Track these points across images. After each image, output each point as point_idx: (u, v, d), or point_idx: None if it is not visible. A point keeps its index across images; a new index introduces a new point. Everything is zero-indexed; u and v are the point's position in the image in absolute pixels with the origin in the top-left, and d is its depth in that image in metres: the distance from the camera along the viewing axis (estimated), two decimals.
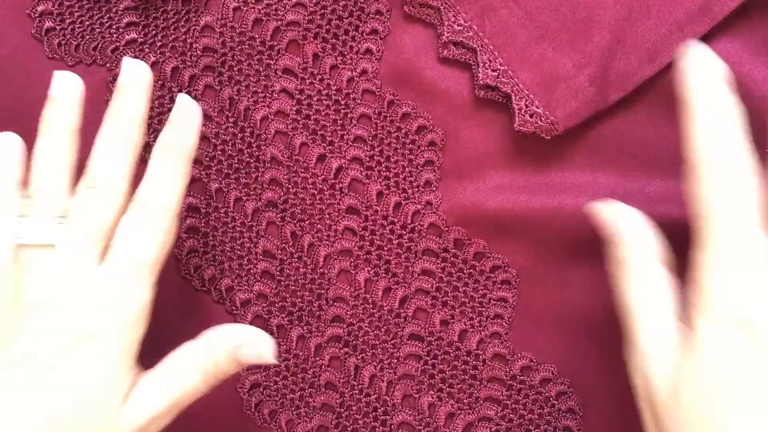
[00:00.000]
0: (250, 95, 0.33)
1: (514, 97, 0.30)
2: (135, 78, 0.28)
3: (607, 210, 0.27)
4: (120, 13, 0.33)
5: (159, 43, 0.33)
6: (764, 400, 0.22)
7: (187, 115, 0.28)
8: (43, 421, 0.25)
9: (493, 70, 0.31)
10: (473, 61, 0.32)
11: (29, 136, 0.34)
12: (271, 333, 0.32)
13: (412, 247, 0.32)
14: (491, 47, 0.31)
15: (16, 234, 0.27)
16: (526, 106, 0.30)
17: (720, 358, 0.23)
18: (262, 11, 0.33)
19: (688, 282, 0.24)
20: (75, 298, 0.26)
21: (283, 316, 0.33)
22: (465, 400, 0.32)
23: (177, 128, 0.28)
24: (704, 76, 0.24)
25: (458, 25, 0.31)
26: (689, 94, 0.25)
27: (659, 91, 0.31)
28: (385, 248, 0.33)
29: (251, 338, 0.27)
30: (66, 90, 0.28)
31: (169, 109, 0.33)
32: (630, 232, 0.26)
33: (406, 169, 0.33)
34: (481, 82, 0.31)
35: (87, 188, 0.27)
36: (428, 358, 0.32)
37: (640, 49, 0.30)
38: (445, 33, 0.32)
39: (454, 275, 0.32)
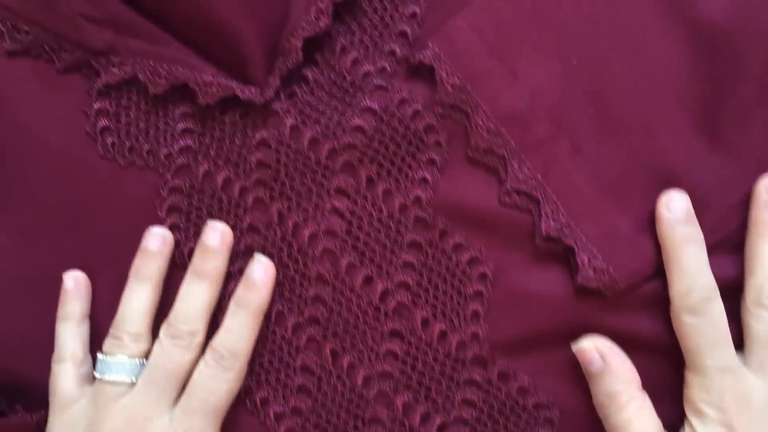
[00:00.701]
0: (300, 212, 0.33)
1: (577, 251, 0.30)
2: (218, 240, 0.32)
3: (587, 345, 0.30)
4: (176, 118, 0.33)
5: (213, 153, 0.33)
6: None
7: (264, 276, 0.31)
8: None
9: (555, 222, 0.31)
10: (535, 210, 0.32)
11: (76, 232, 0.34)
12: None
13: (455, 377, 0.32)
14: (554, 199, 0.31)
15: (100, 370, 0.30)
16: (589, 261, 0.30)
17: None
18: (319, 132, 0.33)
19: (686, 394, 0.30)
20: None
21: None
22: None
23: (253, 287, 0.31)
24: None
25: (522, 174, 0.31)
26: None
27: None
28: (427, 375, 0.33)
29: None
30: (158, 245, 0.32)
31: (218, 217, 0.33)
32: (612, 363, 0.30)
33: (454, 299, 0.33)
34: (543, 233, 0.31)
35: (169, 336, 0.30)
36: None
37: (706, 219, 0.30)
38: (508, 181, 0.32)
39: (496, 407, 0.32)
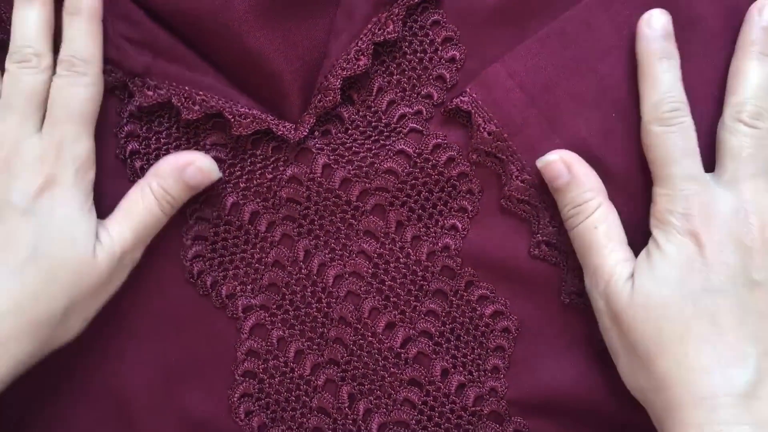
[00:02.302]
0: (327, 251, 0.33)
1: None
2: None
3: (553, 157, 0.30)
4: (207, 147, 0.33)
5: (242, 185, 0.33)
6: (708, 296, 0.27)
7: None
8: (28, 252, 0.28)
9: (581, 280, 0.30)
10: (563, 265, 0.31)
11: None
12: None
13: (471, 431, 0.32)
14: None
15: None
16: None
17: (674, 263, 0.28)
18: (351, 172, 0.32)
19: (651, 210, 0.30)
20: (30, 155, 0.29)
21: None
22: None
23: None
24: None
25: (553, 226, 0.31)
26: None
27: None
28: (443, 426, 0.32)
29: (190, 158, 0.31)
30: None
31: (243, 250, 0.33)
32: (579, 173, 0.30)
33: (476, 350, 0.32)
34: (569, 288, 0.31)
35: (15, 62, 0.30)
36: None
37: None
38: (539, 233, 0.31)
39: None
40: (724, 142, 0.29)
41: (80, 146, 0.30)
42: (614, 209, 0.30)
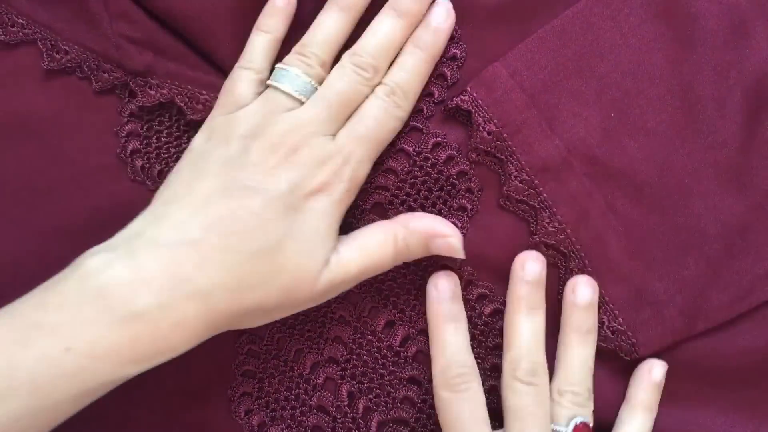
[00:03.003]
0: None
1: (597, 311, 0.30)
2: None
3: None
4: None
5: None
6: None
7: (446, 20, 0.31)
8: (273, 244, 0.27)
9: None
10: (562, 266, 0.31)
11: None
12: None
13: None
14: (582, 255, 0.31)
15: (275, 78, 0.30)
16: (609, 321, 0.30)
17: None
18: None
19: None
20: (319, 154, 0.28)
21: None
22: None
23: (434, 30, 0.31)
24: None
25: (552, 227, 0.31)
26: None
27: None
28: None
29: (445, 231, 0.30)
30: None
31: None
32: None
33: (475, 349, 0.32)
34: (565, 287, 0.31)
35: (353, 64, 0.30)
36: None
37: (736, 286, 0.29)
38: (538, 233, 0.31)
39: None
40: (506, 400, 0.29)
41: (362, 169, 0.30)
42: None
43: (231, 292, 0.27)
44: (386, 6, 0.31)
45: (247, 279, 0.27)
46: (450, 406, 0.29)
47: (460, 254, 0.30)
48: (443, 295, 0.31)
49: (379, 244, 0.29)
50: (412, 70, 0.30)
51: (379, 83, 0.30)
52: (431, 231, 0.30)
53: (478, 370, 0.30)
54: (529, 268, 0.30)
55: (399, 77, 0.30)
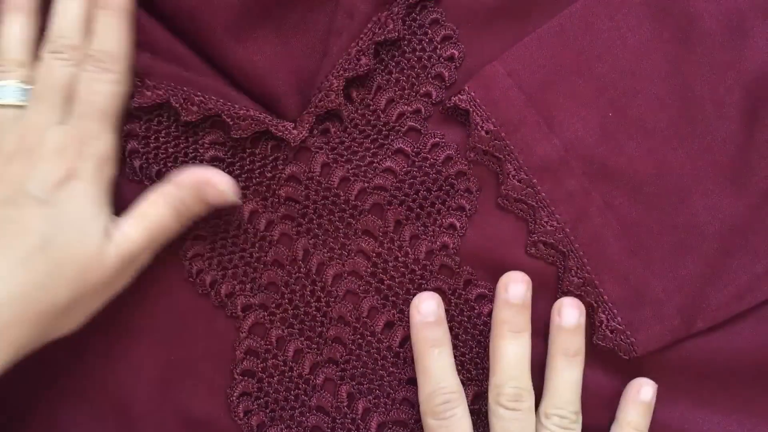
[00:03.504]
0: (326, 250, 0.33)
1: (596, 310, 0.30)
2: None
3: None
4: (206, 146, 0.33)
5: (241, 184, 0.33)
6: None
7: None
8: (39, 242, 0.28)
9: (578, 278, 0.30)
10: (560, 265, 0.31)
11: None
12: None
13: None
14: (581, 254, 0.31)
15: None
16: (608, 320, 0.30)
17: None
18: (350, 171, 0.32)
19: None
20: (53, 146, 0.29)
21: None
22: None
23: None
24: None
25: (550, 226, 0.31)
26: None
27: None
28: None
29: (214, 179, 0.30)
30: None
31: (242, 249, 0.33)
32: None
33: (474, 349, 0.32)
34: (565, 288, 0.31)
35: (51, 52, 0.30)
36: None
37: (735, 285, 0.29)
38: (537, 232, 0.31)
39: None
40: (491, 426, 0.30)
41: (102, 143, 0.30)
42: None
43: (16, 302, 0.27)
44: None
45: (28, 284, 0.27)
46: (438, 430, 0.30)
47: (232, 198, 0.30)
48: (426, 318, 0.31)
49: (156, 207, 0.30)
50: (106, 33, 0.31)
51: (87, 56, 0.31)
52: (200, 181, 0.30)
53: (463, 393, 0.30)
54: (513, 290, 0.30)
55: (97, 43, 0.30)
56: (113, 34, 0.31)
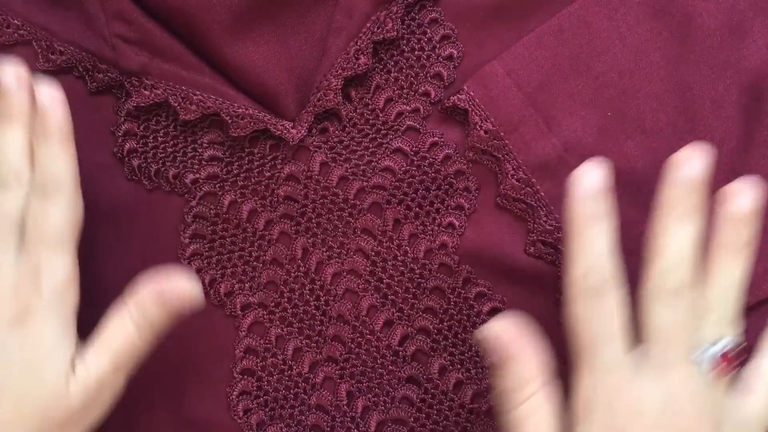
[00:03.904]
0: (325, 249, 0.33)
1: None
2: (14, 77, 0.29)
3: (496, 329, 0.27)
4: (204, 145, 0.33)
5: (240, 183, 0.33)
6: None
7: (51, 97, 0.29)
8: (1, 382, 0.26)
9: None
10: (560, 264, 0.31)
11: (96, 252, 0.34)
12: None
13: (469, 428, 0.32)
14: None
15: None
16: None
17: None
18: (349, 170, 0.32)
19: (573, 394, 0.26)
20: (4, 284, 0.28)
21: None
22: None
23: (46, 112, 0.29)
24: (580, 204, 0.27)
25: (549, 225, 0.31)
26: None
27: None
28: (441, 424, 0.32)
29: (172, 283, 0.28)
30: None
31: (241, 248, 0.33)
32: (521, 354, 0.27)
33: (473, 348, 0.32)
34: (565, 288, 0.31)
35: None
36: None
37: None
38: (535, 231, 0.31)
39: None
40: (648, 316, 0.26)
41: (57, 273, 0.28)
42: (552, 398, 0.27)
43: None
44: None
45: None
46: (586, 319, 0.26)
47: (196, 301, 0.28)
48: (588, 191, 0.26)
49: (118, 332, 0.28)
50: (50, 161, 0.29)
51: (33, 185, 0.29)
52: (157, 290, 0.28)
53: (618, 278, 0.26)
54: (688, 166, 0.26)
55: (41, 173, 0.29)
56: (57, 161, 0.29)
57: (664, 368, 0.25)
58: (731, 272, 0.27)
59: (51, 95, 0.29)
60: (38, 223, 0.29)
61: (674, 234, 0.26)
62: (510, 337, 0.27)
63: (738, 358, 0.26)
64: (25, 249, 0.29)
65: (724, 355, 0.26)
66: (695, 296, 0.26)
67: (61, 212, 0.29)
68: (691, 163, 0.26)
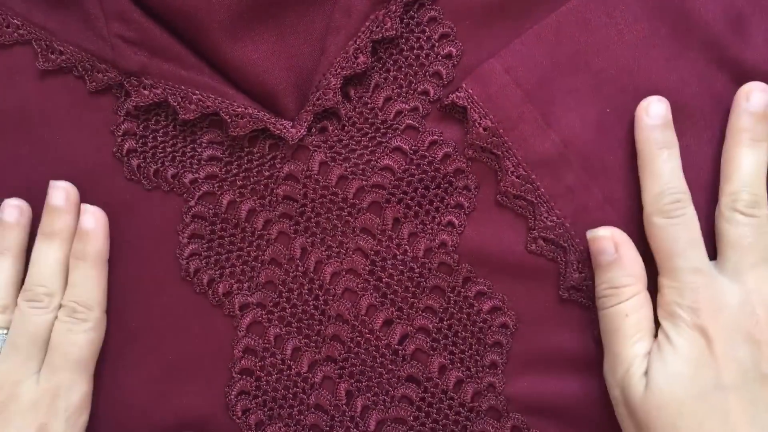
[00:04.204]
0: (324, 249, 0.33)
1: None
2: (63, 198, 0.32)
3: (603, 233, 0.30)
4: (204, 145, 0.33)
5: (239, 183, 0.33)
6: (719, 393, 0.27)
7: (95, 223, 0.32)
8: None
9: (580, 273, 0.30)
10: (561, 260, 0.31)
11: None
12: None
13: (469, 427, 0.32)
14: (582, 248, 0.31)
15: None
16: None
17: (685, 359, 0.27)
18: (348, 169, 0.32)
19: (658, 301, 0.29)
20: (25, 401, 0.29)
21: None
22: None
23: (87, 236, 0.31)
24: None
25: (550, 221, 0.31)
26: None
27: None
28: (441, 423, 0.32)
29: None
30: (15, 215, 0.32)
31: (240, 248, 0.33)
32: (625, 256, 0.29)
33: (474, 347, 0.32)
34: (567, 283, 0.30)
35: (27, 300, 0.31)
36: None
37: None
38: (536, 228, 0.31)
39: None
40: (724, 232, 0.29)
41: (75, 394, 0.30)
42: (650, 300, 0.29)
43: None
44: (38, 234, 0.32)
45: None
46: (665, 231, 0.29)
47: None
48: (655, 121, 0.30)
49: None
50: (83, 283, 0.31)
51: (61, 304, 0.31)
52: None
53: (690, 197, 0.29)
54: (755, 98, 0.29)
55: (73, 294, 0.31)
56: (90, 284, 0.31)
57: (740, 274, 0.28)
58: (754, 158, 0.29)
59: (96, 220, 0.31)
60: (63, 343, 0.30)
61: (744, 158, 0.29)
62: (620, 239, 0.29)
63: None
64: (47, 368, 0.30)
65: None
66: (765, 213, 0.29)
67: (86, 334, 0.31)
68: (756, 95, 0.29)
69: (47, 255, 0.31)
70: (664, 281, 0.29)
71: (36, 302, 0.31)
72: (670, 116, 0.30)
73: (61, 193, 0.32)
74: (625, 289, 0.29)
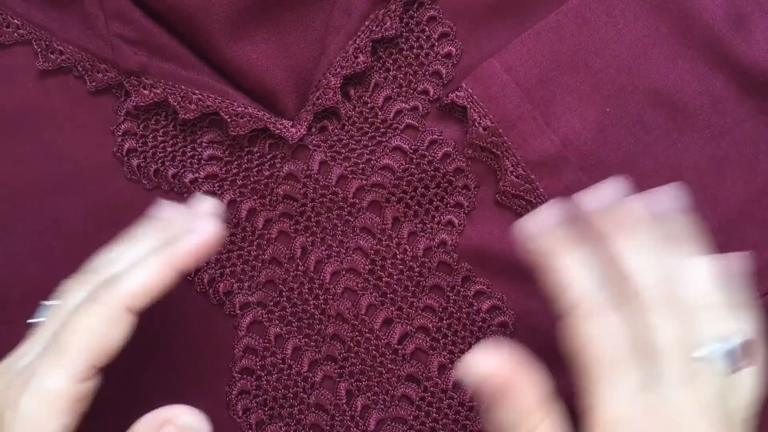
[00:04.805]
0: (324, 248, 0.33)
1: None
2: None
3: (484, 370, 0.24)
4: (204, 144, 0.33)
5: (239, 182, 0.33)
6: None
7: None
8: None
9: None
10: None
11: (95, 252, 0.34)
12: None
13: (469, 426, 0.32)
14: None
15: None
16: None
17: None
18: (348, 168, 0.32)
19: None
20: (10, 422, 0.25)
21: None
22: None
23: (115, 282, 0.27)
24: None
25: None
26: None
27: None
28: (441, 422, 0.32)
29: (172, 414, 0.26)
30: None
31: (240, 247, 0.33)
32: (516, 388, 0.24)
33: (473, 346, 0.32)
34: None
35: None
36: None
37: None
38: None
39: None
40: (647, 330, 0.24)
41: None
42: (558, 424, 0.24)
43: None
44: None
45: None
46: (600, 336, 0.24)
47: (203, 428, 0.25)
48: (540, 226, 0.26)
49: None
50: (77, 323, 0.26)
51: None
52: (157, 420, 0.26)
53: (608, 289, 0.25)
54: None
55: (65, 332, 0.26)
56: (86, 328, 0.26)
57: (682, 378, 0.23)
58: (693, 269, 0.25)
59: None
60: (42, 376, 0.26)
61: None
62: (501, 372, 0.24)
63: (748, 350, 0.24)
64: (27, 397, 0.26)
65: (730, 351, 0.24)
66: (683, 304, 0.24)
67: (67, 372, 0.26)
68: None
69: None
70: (602, 396, 0.24)
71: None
72: (562, 216, 0.26)
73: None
74: (523, 425, 0.24)
